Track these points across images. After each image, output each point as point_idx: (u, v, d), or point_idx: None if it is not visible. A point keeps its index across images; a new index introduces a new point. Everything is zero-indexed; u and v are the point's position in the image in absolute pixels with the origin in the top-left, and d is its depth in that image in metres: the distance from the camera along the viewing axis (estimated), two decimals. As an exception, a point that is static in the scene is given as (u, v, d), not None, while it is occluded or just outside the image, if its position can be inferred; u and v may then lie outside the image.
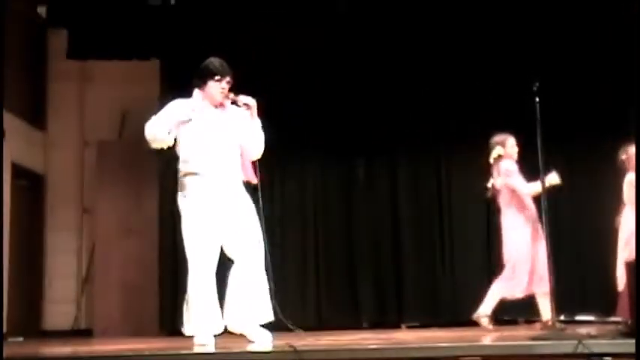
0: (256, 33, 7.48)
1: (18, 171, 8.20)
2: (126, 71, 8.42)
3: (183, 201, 4.86)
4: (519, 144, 6.42)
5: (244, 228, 4.82)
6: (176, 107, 4.90)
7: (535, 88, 4.96)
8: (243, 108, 4.91)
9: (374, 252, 8.00)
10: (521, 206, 6.36)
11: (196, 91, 4.95)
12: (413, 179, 8.11)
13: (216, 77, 4.87)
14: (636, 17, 5.92)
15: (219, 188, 4.80)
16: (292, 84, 7.92)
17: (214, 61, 4.94)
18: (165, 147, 4.93)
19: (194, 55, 7.76)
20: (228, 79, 4.91)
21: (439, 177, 8.06)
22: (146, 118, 4.94)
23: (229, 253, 4.86)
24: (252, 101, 4.94)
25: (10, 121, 7.62)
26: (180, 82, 7.86)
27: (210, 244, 4.78)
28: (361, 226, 8.04)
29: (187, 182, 4.85)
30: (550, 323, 5.97)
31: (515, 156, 6.45)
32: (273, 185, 7.93)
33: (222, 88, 4.89)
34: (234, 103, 4.93)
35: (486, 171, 6.49)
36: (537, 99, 4.96)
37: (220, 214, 4.80)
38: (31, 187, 8.67)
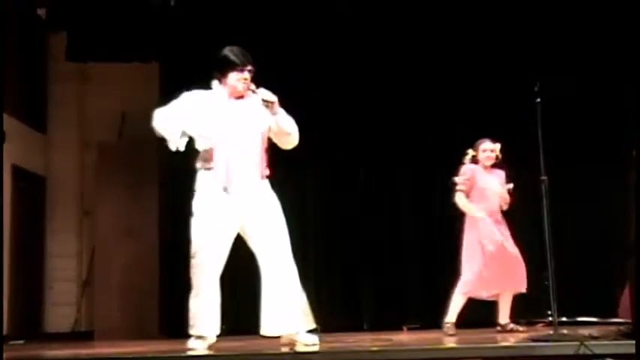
0: (256, 36, 7.47)
1: (18, 173, 8.20)
2: (126, 74, 8.42)
3: (196, 198, 4.58)
4: (519, 147, 6.38)
5: (269, 226, 4.56)
6: (190, 102, 4.59)
7: (536, 89, 4.95)
8: (262, 104, 4.61)
9: (375, 253, 7.98)
10: None
11: (215, 83, 4.69)
12: (413, 179, 8.10)
13: (237, 68, 4.60)
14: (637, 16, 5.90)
15: (238, 184, 4.54)
16: (292, 85, 7.89)
17: (234, 50, 4.65)
18: (173, 147, 4.59)
19: (194, 58, 7.87)
20: (249, 67, 4.63)
21: (440, 177, 8.03)
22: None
23: (255, 252, 4.60)
24: (272, 97, 4.63)
25: (10, 123, 7.60)
26: (180, 85, 7.92)
27: (217, 245, 4.52)
28: (362, 226, 8.01)
29: (202, 178, 4.58)
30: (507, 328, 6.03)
31: (487, 162, 6.37)
32: (273, 185, 7.89)
33: (245, 79, 4.62)
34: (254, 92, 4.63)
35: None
36: (538, 99, 4.94)
37: (238, 211, 4.53)
38: (31, 189, 8.66)
